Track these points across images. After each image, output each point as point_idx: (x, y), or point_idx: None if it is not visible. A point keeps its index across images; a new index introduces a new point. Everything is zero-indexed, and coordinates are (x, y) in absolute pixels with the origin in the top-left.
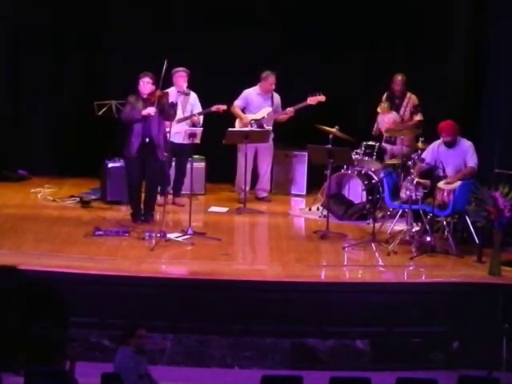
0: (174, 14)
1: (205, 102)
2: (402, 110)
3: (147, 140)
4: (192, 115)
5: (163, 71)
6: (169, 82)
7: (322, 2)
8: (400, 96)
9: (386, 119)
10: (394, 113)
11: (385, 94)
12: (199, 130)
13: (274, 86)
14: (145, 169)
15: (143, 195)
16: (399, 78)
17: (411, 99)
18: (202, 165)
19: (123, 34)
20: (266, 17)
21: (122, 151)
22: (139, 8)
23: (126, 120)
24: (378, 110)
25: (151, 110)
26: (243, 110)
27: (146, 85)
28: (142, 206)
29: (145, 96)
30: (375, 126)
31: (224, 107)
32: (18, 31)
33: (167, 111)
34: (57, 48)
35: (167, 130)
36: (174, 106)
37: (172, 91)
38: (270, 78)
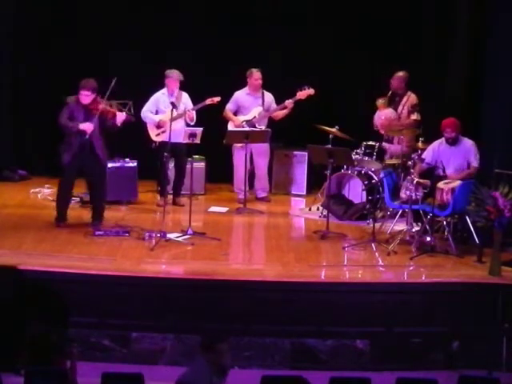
0: (173, 13)
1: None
2: (400, 107)
3: (86, 147)
4: (185, 111)
5: (111, 87)
6: (161, 83)
7: (322, 2)
8: (401, 94)
9: (381, 115)
10: (390, 109)
11: (390, 92)
12: (199, 130)
13: (260, 81)
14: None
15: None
16: (399, 74)
17: (410, 98)
18: (202, 165)
19: (123, 34)
20: (266, 16)
21: (60, 158)
22: (139, 8)
23: (63, 128)
24: (377, 103)
25: (89, 127)
26: (236, 113)
27: (84, 97)
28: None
29: (85, 104)
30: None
31: (218, 98)
32: (18, 31)
33: (108, 126)
34: (57, 48)
35: (163, 129)
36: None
37: (164, 92)
38: (254, 74)
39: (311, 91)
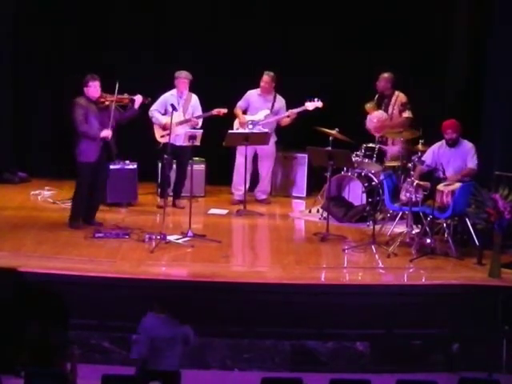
0: (173, 14)
1: (205, 104)
2: (391, 108)
3: (102, 145)
4: (190, 118)
5: (116, 91)
6: (171, 84)
7: (323, 3)
8: (388, 95)
9: (373, 118)
10: (380, 111)
11: (376, 95)
12: (199, 132)
13: (266, 85)
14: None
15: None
16: (385, 75)
17: (399, 97)
18: (202, 167)
19: (124, 34)
20: (266, 17)
21: (78, 156)
22: (140, 8)
23: (85, 136)
24: (366, 108)
25: (108, 134)
26: (246, 111)
27: (93, 89)
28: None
29: (95, 99)
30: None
31: (225, 110)
32: (18, 32)
33: (126, 117)
34: (57, 48)
35: (168, 132)
36: (173, 108)
37: (173, 93)
38: (263, 77)
39: (319, 104)
